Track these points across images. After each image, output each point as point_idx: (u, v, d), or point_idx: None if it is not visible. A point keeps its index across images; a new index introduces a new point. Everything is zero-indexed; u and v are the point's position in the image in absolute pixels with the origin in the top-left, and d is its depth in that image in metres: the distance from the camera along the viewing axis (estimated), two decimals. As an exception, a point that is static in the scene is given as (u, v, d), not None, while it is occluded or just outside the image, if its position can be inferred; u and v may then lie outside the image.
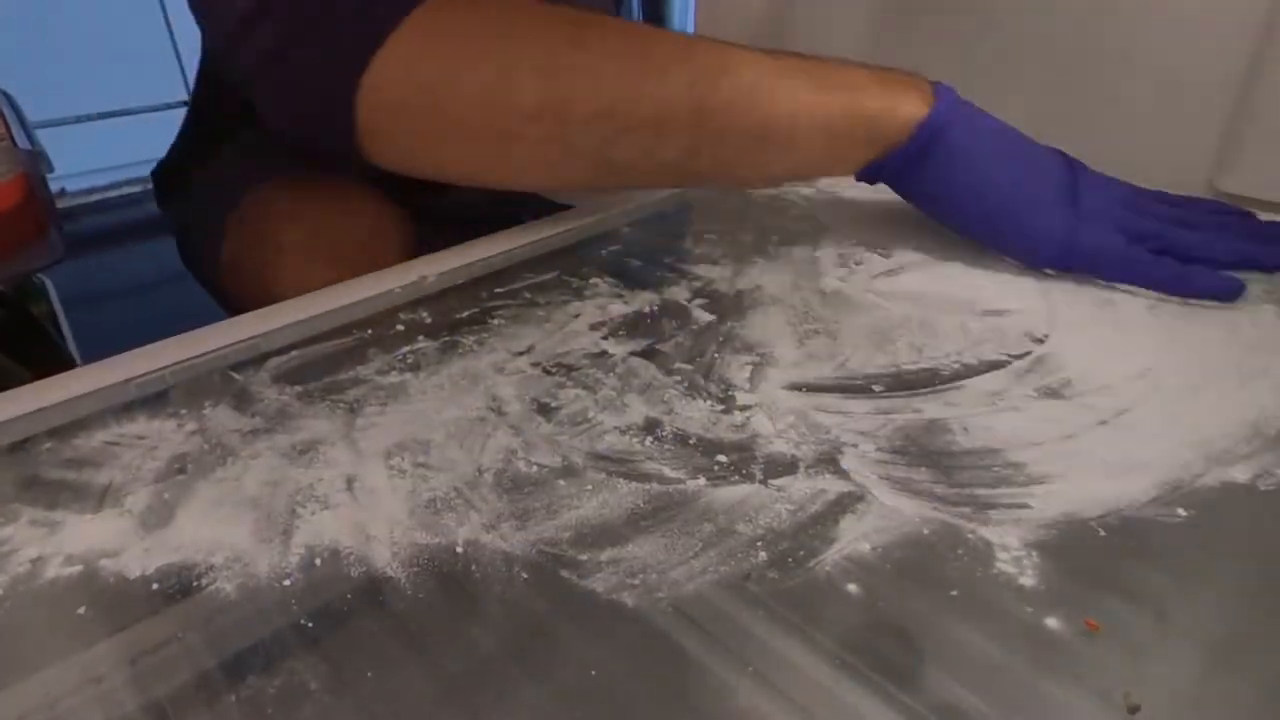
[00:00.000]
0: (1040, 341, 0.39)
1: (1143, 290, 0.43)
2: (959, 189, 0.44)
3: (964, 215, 0.45)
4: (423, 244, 0.51)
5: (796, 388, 0.35)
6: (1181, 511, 0.28)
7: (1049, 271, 0.45)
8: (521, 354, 0.38)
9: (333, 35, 0.39)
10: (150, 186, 0.75)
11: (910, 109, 0.43)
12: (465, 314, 0.42)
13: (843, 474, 0.30)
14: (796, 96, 0.41)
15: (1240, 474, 0.30)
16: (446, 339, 0.40)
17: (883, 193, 0.59)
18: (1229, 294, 0.41)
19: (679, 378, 0.36)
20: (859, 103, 0.42)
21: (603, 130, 0.40)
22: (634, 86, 0.39)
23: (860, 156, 0.44)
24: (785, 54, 0.43)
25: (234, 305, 0.64)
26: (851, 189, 0.59)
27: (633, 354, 0.38)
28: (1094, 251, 0.42)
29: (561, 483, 0.30)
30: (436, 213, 0.59)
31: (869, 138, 0.43)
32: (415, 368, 0.37)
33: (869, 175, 0.45)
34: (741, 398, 0.35)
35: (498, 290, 0.45)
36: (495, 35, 0.39)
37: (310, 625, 0.24)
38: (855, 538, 0.27)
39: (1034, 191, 0.44)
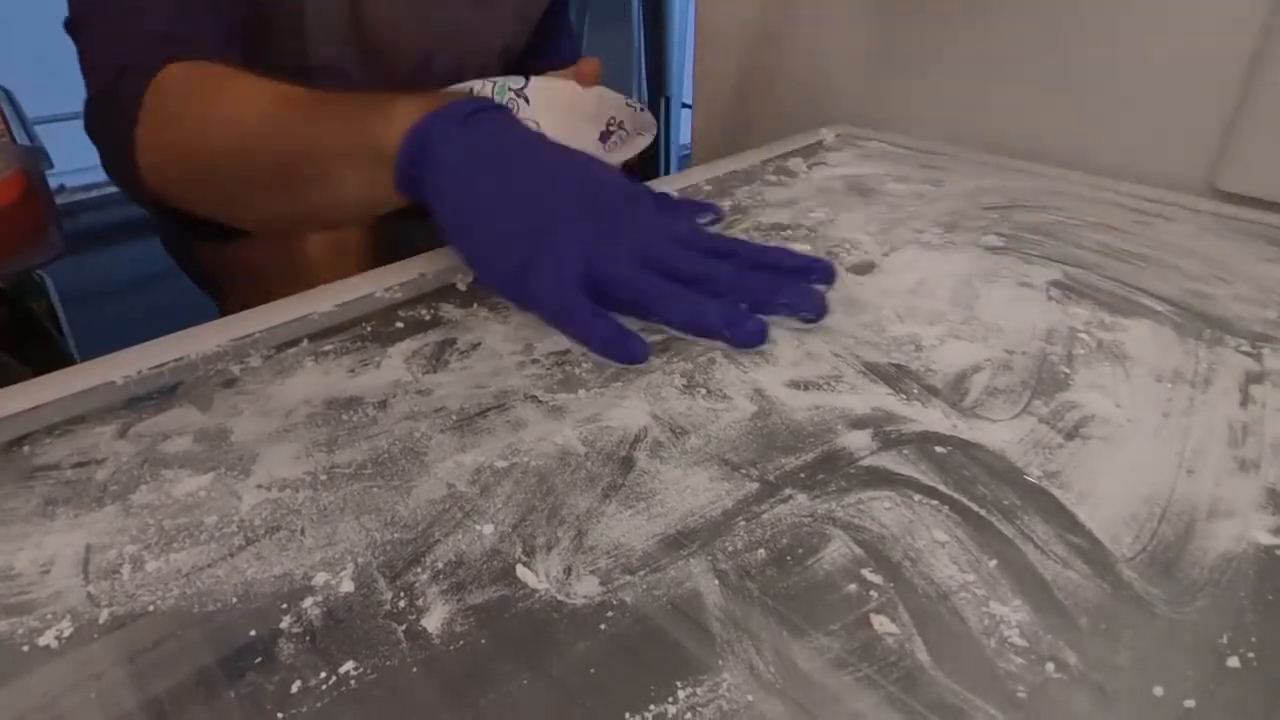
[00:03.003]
0: (1038, 339, 0.39)
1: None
2: (441, 202, 0.40)
3: (446, 230, 0.41)
4: (424, 243, 0.51)
5: (796, 385, 0.36)
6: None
7: (1047, 278, 0.45)
8: (520, 351, 0.38)
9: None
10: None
11: (405, 121, 0.40)
12: (464, 311, 0.42)
13: (843, 472, 0.30)
14: (315, 130, 0.43)
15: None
16: (445, 336, 0.40)
17: (881, 192, 0.59)
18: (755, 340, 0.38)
19: (679, 375, 0.36)
20: (361, 123, 0.42)
21: (235, 188, 0.47)
22: (223, 149, 0.45)
23: (385, 175, 0.41)
24: (311, 92, 0.45)
25: (234, 296, 0.64)
26: (849, 183, 0.59)
27: (632, 352, 0.38)
28: (537, 294, 0.39)
29: (561, 479, 0.30)
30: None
31: (376, 155, 0.41)
32: (414, 365, 0.37)
33: (403, 191, 0.42)
34: (741, 395, 0.35)
35: (497, 288, 0.45)
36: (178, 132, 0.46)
37: (310, 621, 0.24)
38: (855, 535, 0.27)
39: (508, 218, 0.39)
